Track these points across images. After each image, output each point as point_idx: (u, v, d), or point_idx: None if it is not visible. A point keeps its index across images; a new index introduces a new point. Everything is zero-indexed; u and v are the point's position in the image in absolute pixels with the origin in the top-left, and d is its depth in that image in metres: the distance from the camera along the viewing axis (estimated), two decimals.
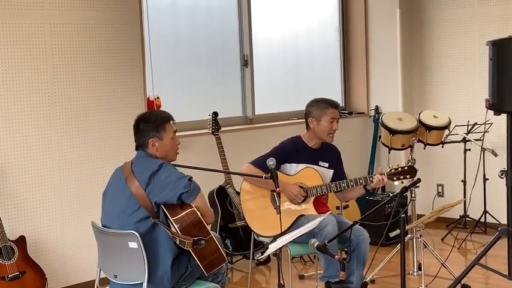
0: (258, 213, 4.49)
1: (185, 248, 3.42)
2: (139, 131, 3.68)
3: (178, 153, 3.74)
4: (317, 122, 4.50)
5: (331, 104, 4.55)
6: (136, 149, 3.71)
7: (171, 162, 3.66)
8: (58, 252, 4.94)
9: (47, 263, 4.81)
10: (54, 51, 4.86)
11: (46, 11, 4.81)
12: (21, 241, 4.55)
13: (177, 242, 3.44)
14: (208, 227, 3.61)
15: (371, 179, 4.38)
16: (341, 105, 6.19)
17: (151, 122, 3.66)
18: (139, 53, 5.30)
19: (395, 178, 4.44)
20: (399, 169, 4.43)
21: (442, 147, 5.79)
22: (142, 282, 3.44)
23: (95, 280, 3.76)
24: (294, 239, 3.56)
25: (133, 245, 3.42)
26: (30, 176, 4.78)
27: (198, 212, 3.49)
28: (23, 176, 4.75)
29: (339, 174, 4.59)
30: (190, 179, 3.52)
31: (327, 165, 4.57)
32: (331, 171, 4.58)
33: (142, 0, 5.35)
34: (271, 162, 3.67)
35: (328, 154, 4.60)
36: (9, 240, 4.46)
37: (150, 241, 3.47)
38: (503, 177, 4.42)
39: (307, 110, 4.57)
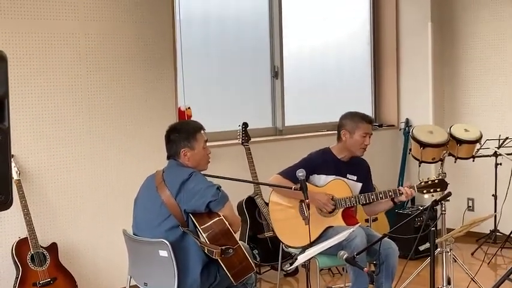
0: (286, 223, 4.49)
1: (214, 257, 3.44)
2: (171, 141, 3.71)
3: (209, 162, 3.77)
4: (350, 135, 4.49)
5: (366, 118, 4.54)
6: (168, 158, 3.75)
7: (202, 172, 3.70)
8: (89, 259, 4.99)
9: (78, 270, 4.85)
10: (88, 61, 4.93)
11: (81, 21, 4.89)
12: (53, 248, 4.60)
13: (206, 251, 3.46)
14: (236, 236, 3.63)
15: (400, 192, 4.37)
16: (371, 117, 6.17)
17: (182, 132, 3.70)
18: (171, 63, 5.36)
19: (425, 191, 4.41)
20: (429, 182, 4.40)
21: (473, 161, 5.73)
22: None
23: (125, 287, 3.80)
24: (322, 251, 3.56)
25: (163, 253, 3.45)
26: (63, 184, 4.85)
27: (225, 221, 3.52)
28: (55, 184, 4.82)
29: (368, 188, 4.55)
30: (218, 187, 3.54)
31: (355, 178, 4.55)
32: (360, 184, 4.56)
33: (175, 12, 5.42)
34: (301, 173, 3.66)
35: (356, 167, 4.59)
36: (41, 246, 4.51)
37: (180, 250, 3.50)
38: None
39: (341, 122, 4.56)
